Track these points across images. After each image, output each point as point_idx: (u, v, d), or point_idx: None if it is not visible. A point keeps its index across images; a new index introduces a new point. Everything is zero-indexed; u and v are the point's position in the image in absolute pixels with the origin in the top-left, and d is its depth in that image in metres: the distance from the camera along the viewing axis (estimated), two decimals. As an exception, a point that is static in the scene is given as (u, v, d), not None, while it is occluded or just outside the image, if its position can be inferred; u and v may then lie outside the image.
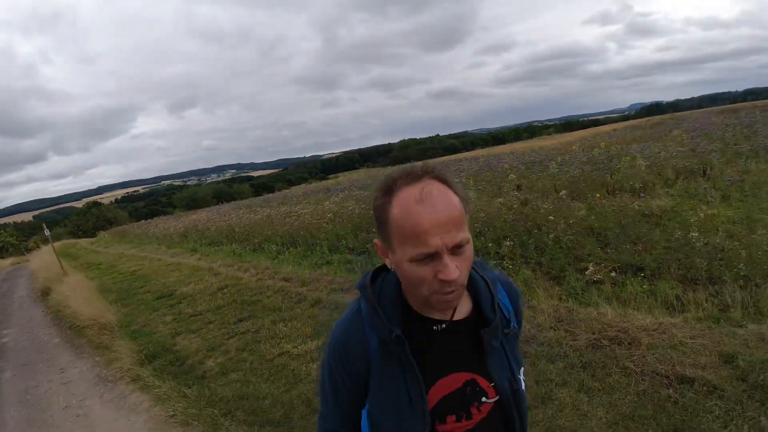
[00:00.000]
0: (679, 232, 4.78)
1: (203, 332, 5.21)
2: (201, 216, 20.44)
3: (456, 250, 0.77)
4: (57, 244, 25.84)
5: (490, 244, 5.30)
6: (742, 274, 3.86)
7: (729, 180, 7.03)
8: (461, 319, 0.91)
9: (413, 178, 0.79)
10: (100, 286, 9.91)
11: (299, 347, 4.20)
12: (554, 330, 3.38)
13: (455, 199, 0.78)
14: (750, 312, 3.42)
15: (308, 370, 3.80)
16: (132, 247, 18.19)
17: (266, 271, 7.33)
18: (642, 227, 5.25)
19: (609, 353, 2.99)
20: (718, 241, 4.39)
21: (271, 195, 29.10)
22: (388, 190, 0.80)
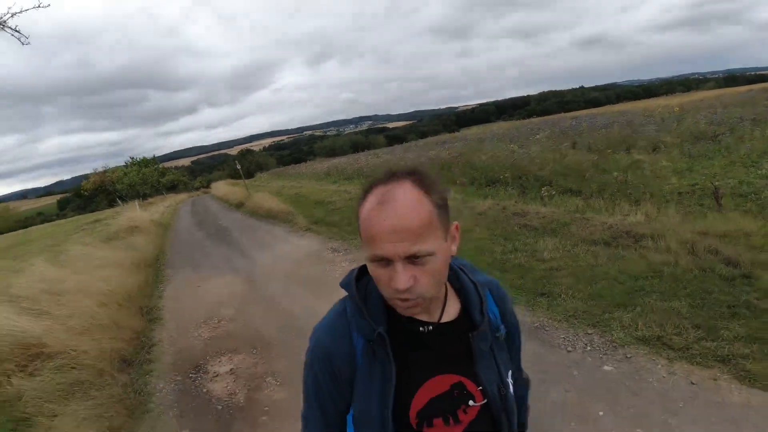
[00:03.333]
0: (617, 173, 7.84)
1: (340, 215, 9.83)
2: (340, 161, 26.14)
3: (413, 259, 0.75)
4: (221, 182, 33.36)
5: (501, 177, 8.88)
6: (616, 193, 7.04)
7: (710, 142, 9.36)
8: (449, 321, 0.89)
9: (389, 178, 0.79)
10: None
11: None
12: (496, 211, 7.08)
13: (423, 208, 0.75)
14: (601, 209, 6.67)
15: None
16: (289, 182, 24.23)
17: (378, 191, 11.72)
18: (605, 170, 8.29)
19: (507, 217, 6.66)
20: (623, 176, 7.44)
21: (398, 145, 33.86)
22: (368, 188, 0.80)
